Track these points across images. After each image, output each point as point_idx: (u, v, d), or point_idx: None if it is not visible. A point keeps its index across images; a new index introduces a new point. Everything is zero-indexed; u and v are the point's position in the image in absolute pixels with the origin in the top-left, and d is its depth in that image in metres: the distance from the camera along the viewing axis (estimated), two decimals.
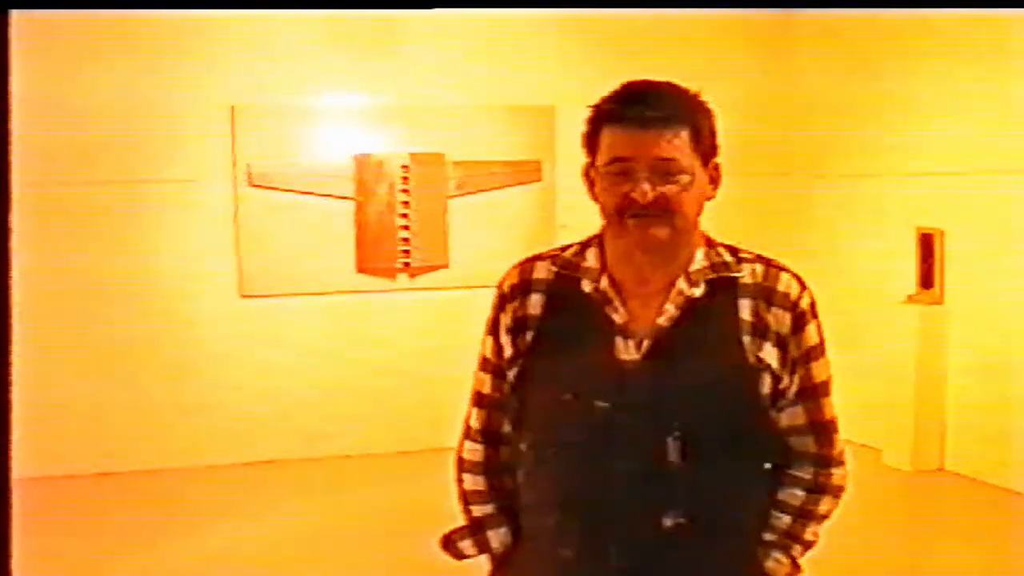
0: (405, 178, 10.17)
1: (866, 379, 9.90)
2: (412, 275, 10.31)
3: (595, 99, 2.64)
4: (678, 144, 2.53)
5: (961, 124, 9.31)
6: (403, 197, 10.18)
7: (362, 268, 10.19)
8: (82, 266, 9.44)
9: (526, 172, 10.51)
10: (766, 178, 11.01)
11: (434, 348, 10.12)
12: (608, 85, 2.66)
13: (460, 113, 10.37)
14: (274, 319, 10.05)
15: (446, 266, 10.33)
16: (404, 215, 10.20)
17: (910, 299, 9.62)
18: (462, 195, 10.36)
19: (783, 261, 2.74)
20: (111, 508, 8.62)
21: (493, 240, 10.09)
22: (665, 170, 2.52)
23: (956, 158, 9.38)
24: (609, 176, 2.57)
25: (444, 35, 10.24)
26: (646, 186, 2.52)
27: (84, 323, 9.44)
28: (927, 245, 9.55)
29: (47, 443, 8.84)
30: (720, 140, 2.66)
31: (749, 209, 10.13)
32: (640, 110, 2.54)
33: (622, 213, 2.55)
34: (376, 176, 10.11)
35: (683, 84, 2.67)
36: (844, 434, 7.93)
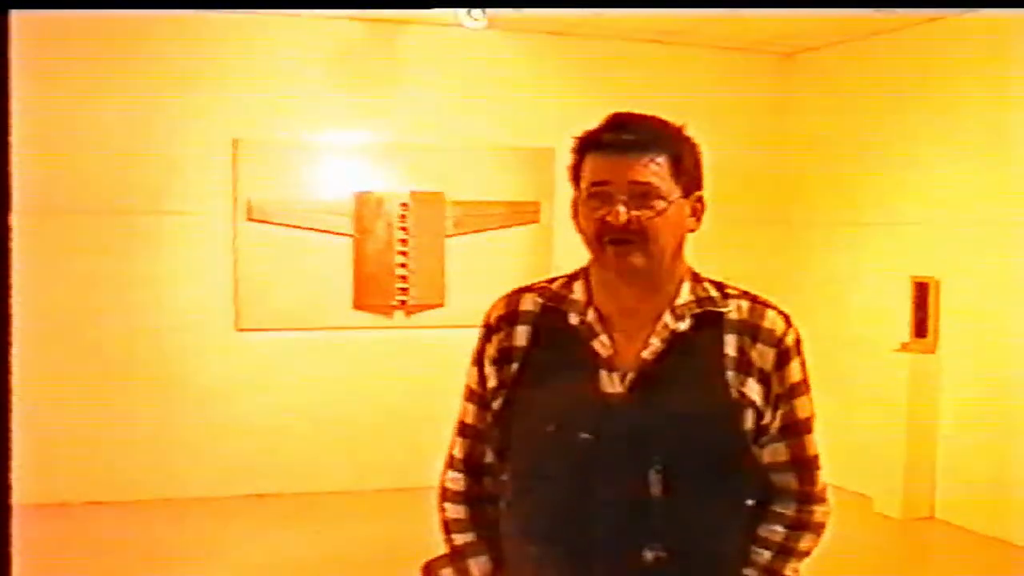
0: (404, 216, 10.22)
1: (858, 426, 9.95)
2: (408, 313, 10.34)
3: (580, 132, 2.69)
4: (655, 170, 2.57)
5: (958, 173, 9.36)
6: (401, 235, 10.22)
7: (359, 305, 10.22)
8: (78, 295, 9.47)
9: (524, 213, 10.56)
10: (764, 225, 11.07)
11: (429, 386, 10.13)
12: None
13: (460, 153, 10.43)
14: (270, 354, 10.07)
15: (442, 305, 10.37)
16: (402, 252, 10.24)
17: (904, 347, 9.65)
18: (460, 234, 10.41)
19: (769, 298, 2.77)
20: (101, 537, 8.61)
21: (490, 280, 10.08)
22: (641, 194, 2.56)
23: (952, 207, 9.43)
24: (589, 201, 2.61)
25: (445, 75, 10.31)
26: (621, 208, 2.55)
27: (79, 352, 9.46)
28: (922, 294, 9.59)
29: (39, 471, 8.85)
30: (706, 175, 2.71)
31: (746, 254, 10.19)
32: (618, 135, 2.60)
33: (600, 238, 2.59)
34: (375, 213, 10.15)
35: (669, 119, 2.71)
36: (836, 481, 7.97)
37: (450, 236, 10.39)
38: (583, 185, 2.64)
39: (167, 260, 9.81)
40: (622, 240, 2.57)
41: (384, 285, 10.25)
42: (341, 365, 10.23)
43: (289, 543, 8.67)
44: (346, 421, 10.21)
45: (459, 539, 2.86)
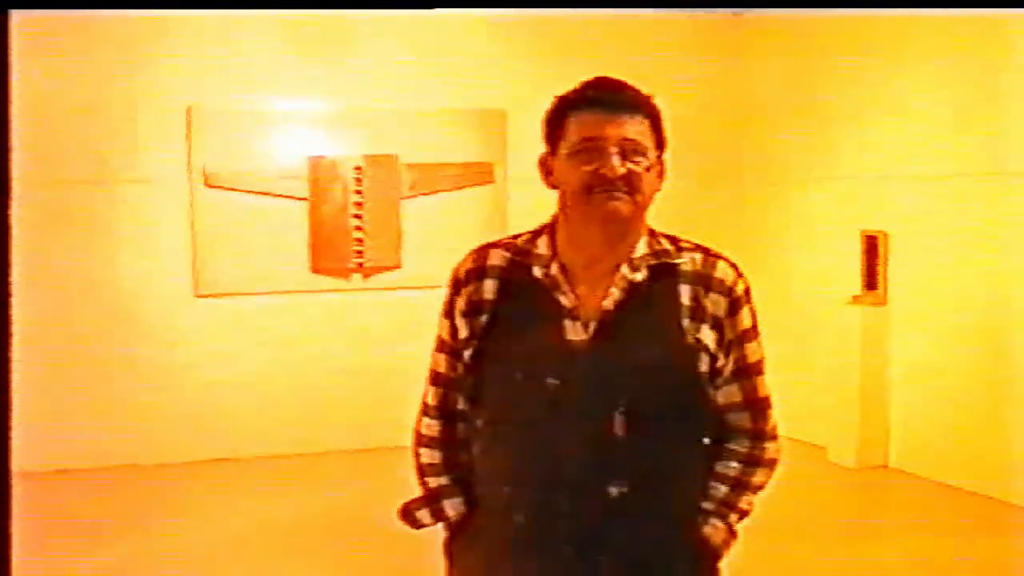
0: (359, 179, 10.29)
1: (812, 378, 10.11)
2: (365, 275, 10.42)
3: (546, 102, 2.82)
4: (641, 130, 2.74)
5: (907, 128, 9.50)
6: (356, 198, 10.30)
7: (316, 268, 10.29)
8: (38, 265, 9.49)
9: (478, 174, 10.65)
10: (716, 182, 11.19)
11: (387, 347, 10.23)
12: (559, 88, 2.83)
13: (413, 116, 10.50)
14: (229, 318, 10.14)
15: (399, 266, 10.47)
16: (358, 216, 10.31)
17: (855, 300, 9.80)
18: (415, 196, 10.48)
19: (720, 250, 2.91)
20: (67, 505, 8.67)
21: (445, 241, 10.21)
22: (632, 150, 2.72)
23: (901, 161, 9.57)
24: (578, 156, 2.73)
25: (397, 39, 10.35)
26: (616, 161, 2.69)
27: (40, 321, 9.48)
28: (872, 247, 9.73)
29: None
30: (668, 138, 2.86)
31: (700, 212, 10.29)
32: (610, 96, 2.75)
33: (590, 189, 2.72)
34: (330, 177, 10.22)
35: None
36: (791, 433, 8.10)
37: (405, 198, 10.47)
38: (569, 142, 2.76)
39: (125, 229, 9.85)
40: (611, 189, 2.70)
41: (341, 248, 10.33)
42: (300, 328, 10.31)
43: (254, 505, 8.75)
44: (306, 383, 10.29)
45: (433, 482, 3.00)
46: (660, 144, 2.81)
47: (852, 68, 10.05)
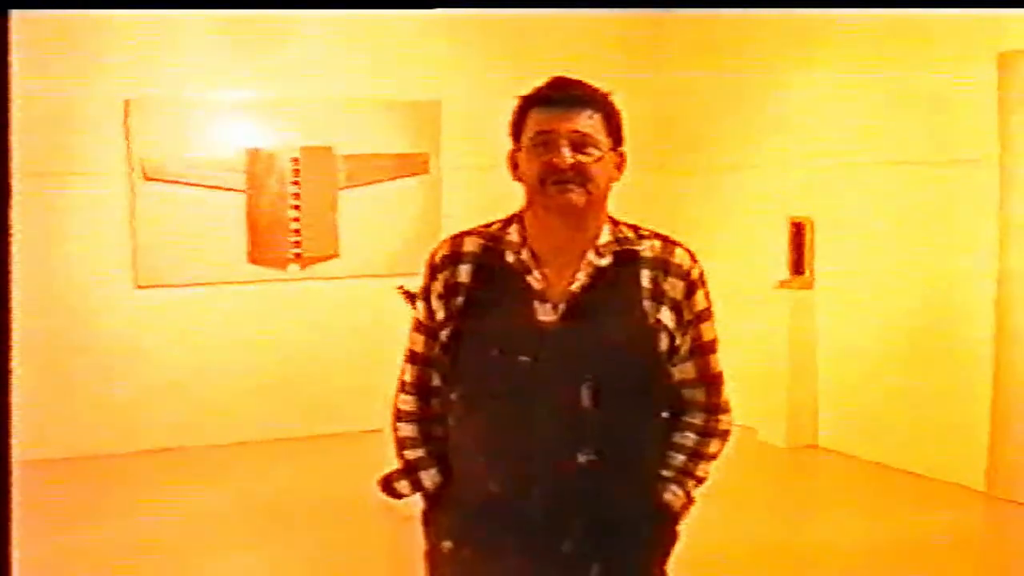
0: (296, 171, 10.39)
1: (741, 361, 10.27)
2: (303, 265, 10.53)
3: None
4: (592, 124, 2.96)
5: (833, 116, 9.73)
6: (294, 189, 10.40)
7: (254, 259, 10.38)
8: None
9: (413, 164, 10.78)
10: (642, 169, 11.35)
11: (326, 335, 10.36)
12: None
13: (349, 107, 10.61)
14: (169, 309, 10.20)
15: (336, 256, 10.57)
16: (295, 207, 10.42)
17: (782, 284, 10.04)
18: (351, 187, 10.60)
19: (678, 238, 3.16)
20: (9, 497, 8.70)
21: (382, 230, 10.36)
22: (581, 143, 2.94)
23: (828, 149, 9.80)
24: (534, 149, 2.96)
25: (333, 30, 10.43)
26: (565, 152, 2.92)
27: None
28: (798, 233, 9.97)
29: None
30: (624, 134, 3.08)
31: (627, 199, 10.45)
32: (563, 94, 2.99)
33: (544, 180, 2.94)
34: (267, 169, 10.31)
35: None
36: None
37: (342, 189, 10.58)
38: (528, 135, 2.99)
39: (65, 221, 9.87)
40: (564, 180, 2.92)
41: (278, 239, 10.42)
42: (239, 318, 10.40)
43: (197, 495, 8.79)
44: (246, 372, 10.38)
45: (411, 454, 3.21)
46: (616, 138, 3.04)
47: (780, 55, 10.27)
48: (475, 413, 3.06)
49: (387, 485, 3.24)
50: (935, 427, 8.81)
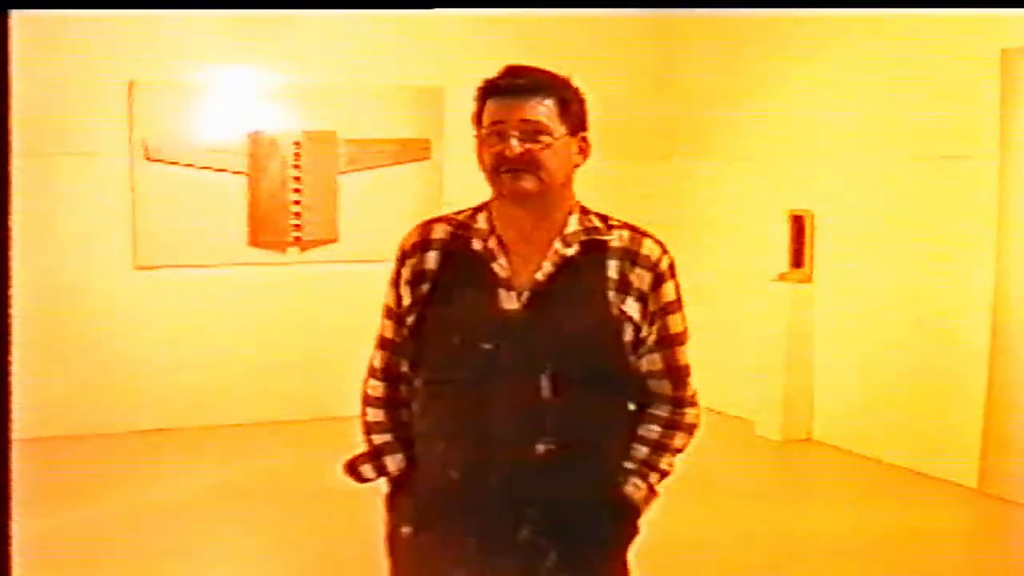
0: (297, 154, 10.40)
1: (739, 353, 10.32)
2: (303, 249, 10.53)
3: (481, 81, 3.05)
4: (543, 111, 2.95)
5: (835, 110, 9.70)
6: (295, 173, 10.41)
7: (254, 242, 10.39)
8: None
9: (415, 150, 10.78)
10: (646, 160, 11.37)
11: (323, 319, 10.37)
12: (495, 68, 3.05)
13: (352, 92, 10.61)
14: (168, 290, 10.20)
15: (336, 240, 10.58)
16: (296, 190, 10.43)
17: (781, 277, 10.01)
18: (353, 172, 10.61)
19: (647, 228, 3.14)
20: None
21: (382, 215, 10.34)
22: (532, 130, 2.94)
23: (827, 143, 9.79)
24: (487, 139, 2.98)
25: (337, 14, 10.42)
26: (514, 142, 2.93)
27: None
28: (798, 226, 9.96)
29: None
30: (590, 119, 3.08)
31: (630, 189, 10.48)
32: (511, 82, 2.99)
33: (497, 170, 2.96)
34: (269, 152, 10.32)
35: (556, 70, 3.11)
36: (718, 406, 8.40)
37: (343, 173, 10.59)
38: (483, 127, 3.01)
39: (67, 201, 9.89)
40: (515, 169, 2.93)
41: (279, 222, 10.43)
42: (238, 300, 10.39)
43: (193, 476, 8.82)
44: (244, 354, 10.37)
45: (377, 439, 3.22)
46: (576, 124, 3.03)
47: (784, 50, 10.26)
48: (437, 399, 3.07)
49: (352, 469, 3.24)
50: (929, 423, 8.79)
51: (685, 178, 11.44)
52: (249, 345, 10.41)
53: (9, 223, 1.65)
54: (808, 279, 9.90)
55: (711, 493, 8.34)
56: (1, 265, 1.64)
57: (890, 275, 9.18)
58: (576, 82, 3.08)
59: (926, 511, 8.13)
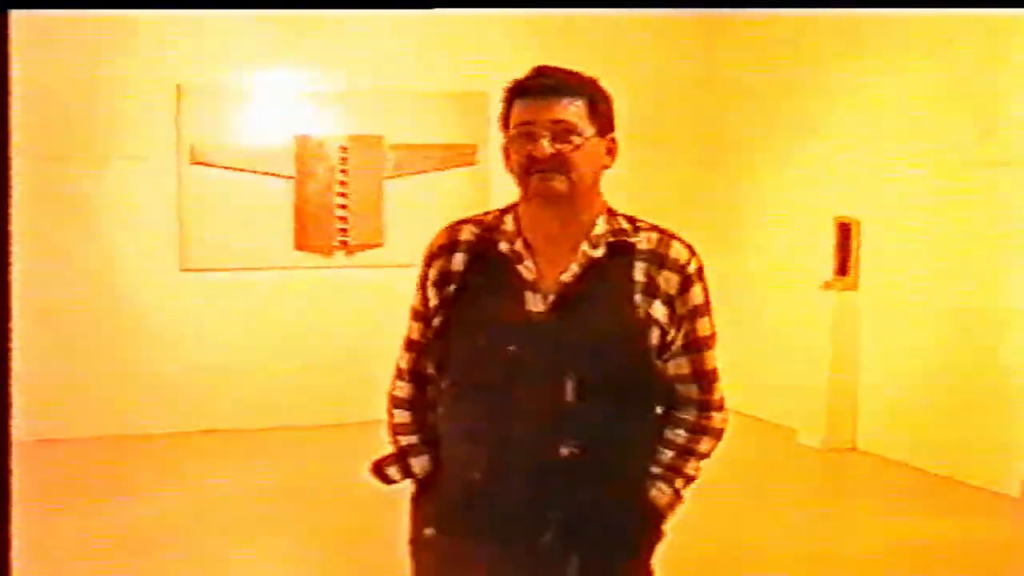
0: (344, 159, 10.47)
1: (783, 361, 10.28)
2: (349, 253, 10.59)
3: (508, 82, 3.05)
4: (573, 111, 2.94)
5: (884, 117, 9.66)
6: (341, 177, 10.47)
7: (300, 245, 10.46)
8: (28, 239, 9.64)
9: (461, 155, 10.82)
10: (693, 165, 11.35)
11: (369, 323, 10.39)
12: None
13: (398, 97, 10.66)
14: (213, 293, 10.30)
15: (381, 244, 10.63)
16: (342, 195, 10.48)
17: (827, 285, 9.96)
18: (398, 176, 10.65)
19: (676, 231, 3.11)
20: (54, 475, 8.75)
21: (428, 220, 10.25)
22: (562, 130, 2.92)
23: (875, 150, 9.74)
24: (517, 140, 2.97)
25: (385, 21, 10.46)
26: (544, 143, 2.91)
27: (29, 294, 9.62)
28: (845, 233, 9.91)
29: None
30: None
31: (676, 194, 10.47)
32: (540, 82, 2.98)
33: (528, 171, 2.94)
34: (315, 156, 10.38)
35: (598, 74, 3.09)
36: (761, 413, 8.34)
37: (389, 178, 10.63)
38: (512, 127, 2.99)
39: (114, 204, 9.98)
40: (545, 170, 2.91)
41: (325, 226, 10.49)
42: (283, 303, 10.47)
43: (235, 477, 8.88)
44: (288, 357, 10.44)
45: (404, 440, 3.22)
46: (604, 125, 3.02)
47: (831, 55, 10.21)
48: (462, 401, 3.06)
49: (378, 470, 3.23)
50: (973, 432, 8.72)
51: (732, 184, 11.42)
52: (293, 347, 10.47)
53: (9, 225, 1.66)
54: (854, 286, 9.85)
55: (753, 501, 8.32)
56: (1, 266, 1.66)
57: (935, 283, 9.12)
58: (602, 84, 3.07)
59: (969, 520, 8.05)
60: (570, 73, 3.02)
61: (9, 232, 1.67)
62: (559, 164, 2.92)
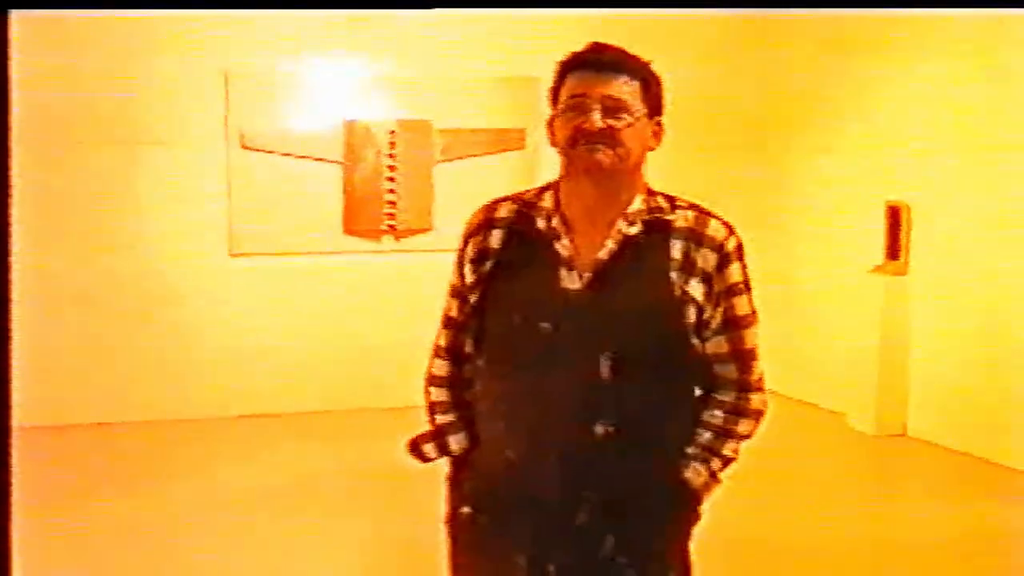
0: (392, 143, 10.46)
1: (833, 346, 10.23)
2: (397, 237, 10.60)
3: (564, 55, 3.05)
4: (627, 89, 2.95)
5: (935, 100, 9.59)
6: (390, 162, 10.46)
7: (349, 230, 10.47)
8: (78, 224, 9.72)
9: (510, 140, 10.80)
10: (743, 150, 11.29)
11: (417, 307, 10.38)
12: None
13: (447, 82, 10.65)
14: (263, 278, 10.34)
15: (430, 229, 10.62)
16: (391, 179, 10.49)
17: (877, 269, 9.89)
18: (447, 161, 10.65)
19: (715, 209, 3.10)
20: (105, 457, 8.87)
21: (476, 205, 10.31)
22: (614, 107, 2.93)
23: (926, 134, 9.67)
24: (567, 112, 2.97)
25: (432, 8, 10.46)
26: (596, 116, 2.92)
27: (78, 278, 9.70)
28: (895, 218, 9.83)
29: (46, 392, 9.09)
30: (667, 104, 3.09)
31: (726, 180, 10.42)
32: (596, 57, 2.99)
33: (575, 142, 2.95)
34: (364, 141, 10.39)
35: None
36: (812, 399, 8.31)
37: (437, 163, 10.63)
38: (562, 100, 3.00)
39: (163, 189, 10.02)
40: (593, 142, 2.92)
41: (373, 211, 10.50)
42: (332, 288, 10.47)
43: (285, 460, 8.97)
44: (337, 342, 10.48)
45: (441, 418, 3.23)
46: (654, 107, 3.02)
47: (883, 39, 10.13)
48: (497, 379, 3.07)
49: (415, 447, 3.25)
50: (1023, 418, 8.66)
51: (782, 168, 11.37)
52: (342, 332, 10.50)
53: (9, 220, 1.67)
54: (904, 271, 9.77)
55: (802, 487, 8.30)
56: (1, 261, 1.66)
57: (986, 268, 9.04)
58: (654, 67, 3.07)
59: (1020, 507, 8.00)
60: (626, 53, 3.02)
61: (9, 231, 1.66)
62: (607, 137, 2.92)
